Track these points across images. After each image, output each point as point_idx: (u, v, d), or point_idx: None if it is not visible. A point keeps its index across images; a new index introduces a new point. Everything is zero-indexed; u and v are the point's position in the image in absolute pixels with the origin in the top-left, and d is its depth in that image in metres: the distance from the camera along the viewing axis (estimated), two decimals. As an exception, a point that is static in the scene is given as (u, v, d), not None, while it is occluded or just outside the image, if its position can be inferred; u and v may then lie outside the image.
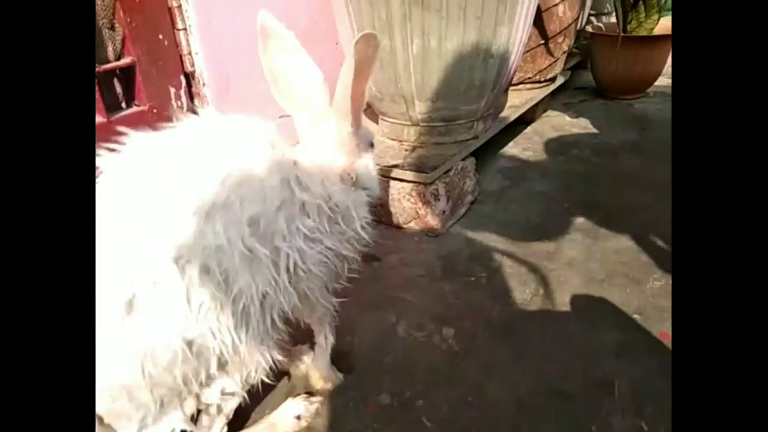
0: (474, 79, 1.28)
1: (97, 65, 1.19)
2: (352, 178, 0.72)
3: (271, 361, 0.67)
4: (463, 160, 1.37)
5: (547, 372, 0.86)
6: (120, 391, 0.57)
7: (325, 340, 0.84)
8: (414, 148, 1.38)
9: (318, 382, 0.86)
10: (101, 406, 0.58)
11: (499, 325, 0.97)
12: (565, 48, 1.83)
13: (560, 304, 1.02)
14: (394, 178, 1.29)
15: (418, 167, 1.25)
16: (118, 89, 1.32)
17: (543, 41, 1.73)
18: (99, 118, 1.22)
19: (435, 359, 0.91)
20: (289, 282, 0.65)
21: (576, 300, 1.03)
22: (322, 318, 0.81)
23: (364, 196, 0.75)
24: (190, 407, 0.65)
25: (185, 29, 1.32)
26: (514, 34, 1.26)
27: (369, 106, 1.63)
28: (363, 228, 0.73)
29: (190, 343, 0.57)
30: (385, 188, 1.30)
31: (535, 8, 1.31)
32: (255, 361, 0.65)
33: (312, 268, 0.67)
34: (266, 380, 0.69)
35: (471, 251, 1.23)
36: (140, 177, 0.57)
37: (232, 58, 1.37)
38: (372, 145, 0.81)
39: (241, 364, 0.64)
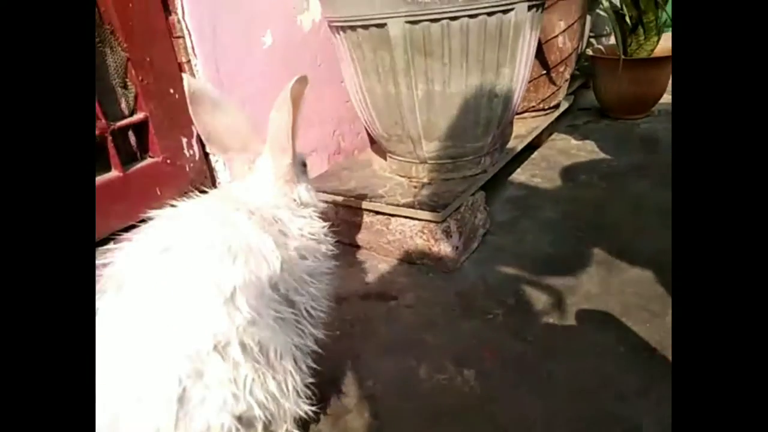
0: (480, 118, 1.29)
1: (111, 122, 1.23)
2: (297, 202, 0.82)
3: (306, 409, 0.72)
4: (472, 194, 1.38)
5: (572, 415, 0.85)
6: None
7: None
8: (423, 185, 1.40)
9: None
10: None
11: (521, 365, 0.97)
12: (567, 76, 1.85)
13: (579, 340, 1.02)
14: (406, 217, 1.31)
15: (430, 206, 1.27)
16: (133, 142, 1.36)
17: (545, 71, 1.75)
18: (115, 173, 1.26)
19: (458, 403, 0.90)
20: (311, 323, 0.73)
21: (596, 336, 1.02)
22: None
23: (311, 211, 0.85)
24: None
25: (195, 82, 1.35)
26: (517, 73, 1.28)
27: (374, 141, 1.66)
28: (326, 234, 0.84)
29: (239, 418, 0.60)
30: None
31: (536, 45, 1.33)
32: (293, 413, 0.69)
33: (327, 296, 0.78)
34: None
35: (486, 287, 1.22)
36: (154, 279, 0.60)
37: (241, 106, 1.40)
38: (305, 164, 0.89)
39: (283, 419, 0.68)
